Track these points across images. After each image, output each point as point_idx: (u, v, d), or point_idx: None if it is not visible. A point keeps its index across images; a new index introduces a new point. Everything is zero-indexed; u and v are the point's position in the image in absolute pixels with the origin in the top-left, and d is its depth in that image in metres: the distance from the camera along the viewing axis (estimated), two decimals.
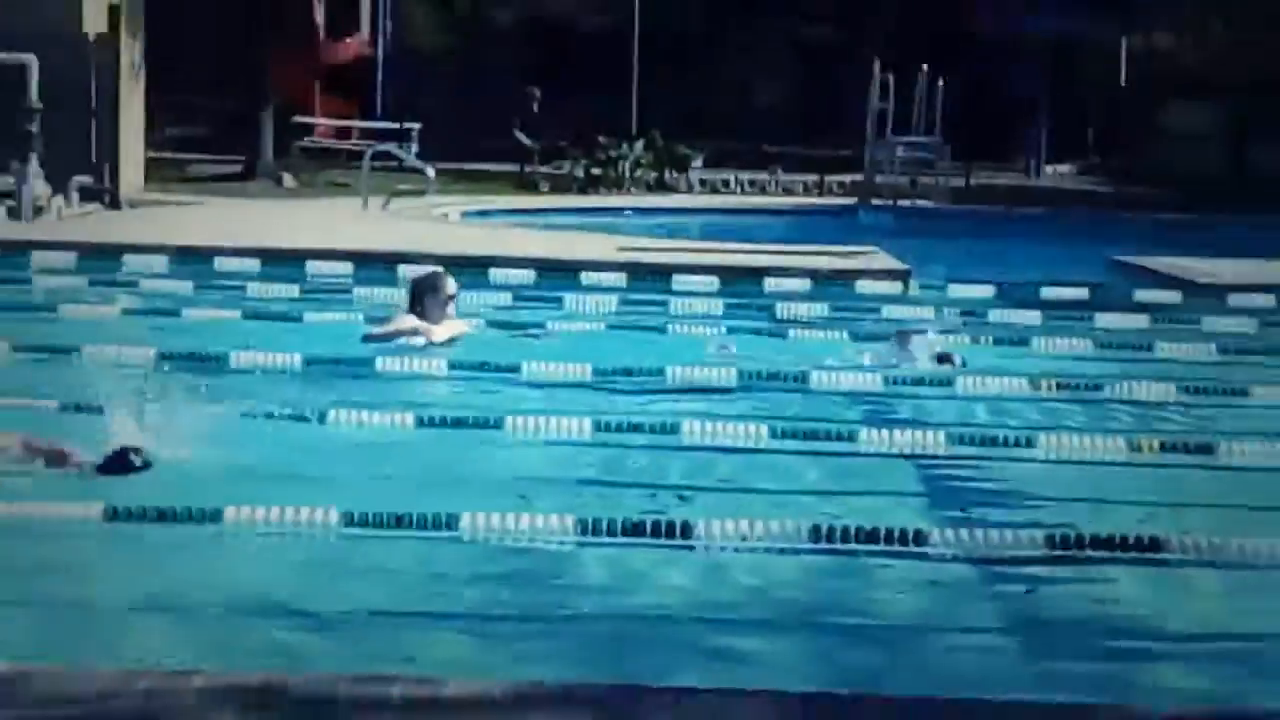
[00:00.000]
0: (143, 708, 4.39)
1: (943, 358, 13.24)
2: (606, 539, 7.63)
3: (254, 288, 15.84)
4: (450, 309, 13.18)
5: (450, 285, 13.46)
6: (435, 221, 22.53)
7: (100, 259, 17.10)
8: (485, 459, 9.35)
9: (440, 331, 12.74)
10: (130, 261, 16.98)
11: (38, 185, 20.17)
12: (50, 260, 17.00)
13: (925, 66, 30.94)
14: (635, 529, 7.71)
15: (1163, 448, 9.66)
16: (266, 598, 6.91)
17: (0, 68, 21.20)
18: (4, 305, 14.65)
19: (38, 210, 20.02)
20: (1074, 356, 13.20)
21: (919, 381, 12.17)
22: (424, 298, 12.96)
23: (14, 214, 19.63)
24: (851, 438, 9.95)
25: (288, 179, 30.16)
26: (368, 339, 12.86)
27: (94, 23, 23.68)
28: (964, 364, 13.12)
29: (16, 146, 20.34)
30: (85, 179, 22.04)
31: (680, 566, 7.64)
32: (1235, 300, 17.03)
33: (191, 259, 16.96)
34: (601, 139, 31.89)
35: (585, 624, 7.06)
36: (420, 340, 12.69)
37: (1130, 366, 13.48)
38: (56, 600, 7.12)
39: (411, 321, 12.71)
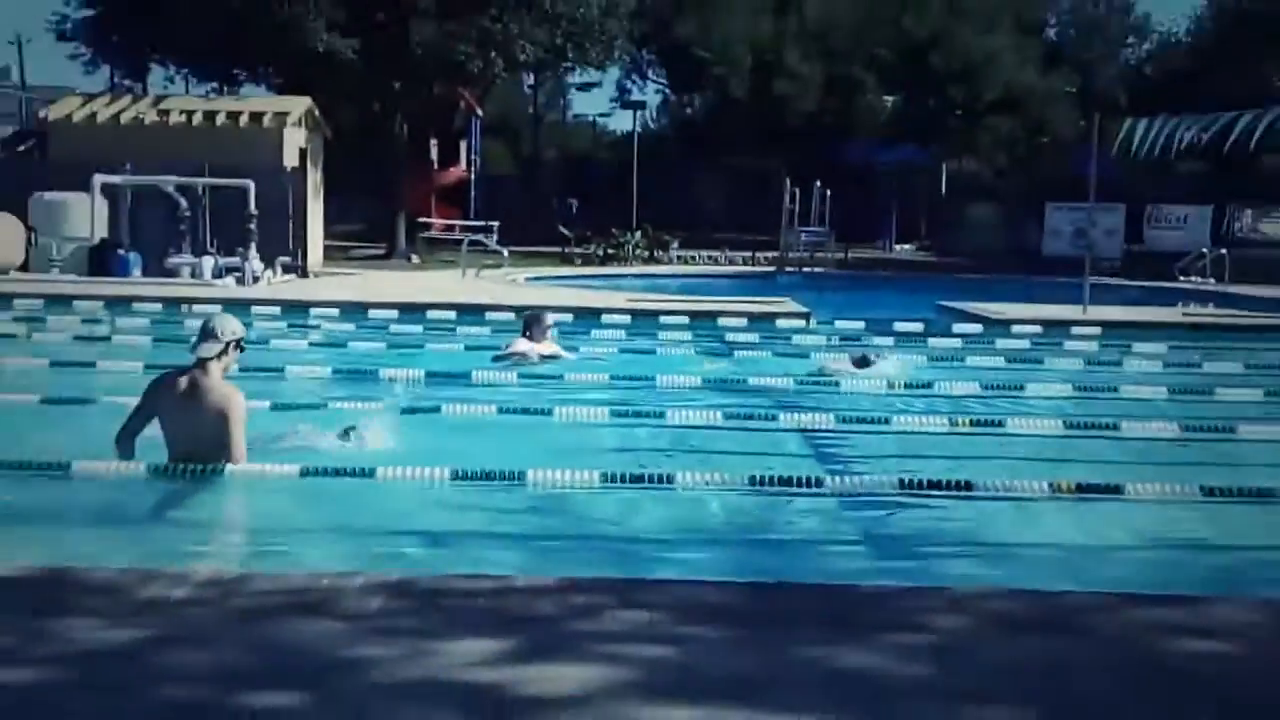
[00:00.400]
0: (310, 601, 4.37)
1: (862, 361, 12.52)
2: (619, 485, 7.47)
3: (393, 327, 16.08)
4: (550, 335, 12.84)
5: (549, 318, 13.18)
6: (508, 284, 23.12)
7: (295, 311, 17.55)
8: (541, 434, 9.12)
9: (543, 349, 12.52)
10: (314, 312, 17.25)
11: (255, 263, 20.58)
12: (264, 310, 17.23)
13: (818, 183, 32.13)
14: (637, 479, 7.63)
15: (972, 424, 9.66)
16: (409, 523, 7.00)
17: (230, 189, 21.21)
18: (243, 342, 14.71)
19: (255, 279, 20.25)
20: (915, 367, 13.15)
21: (818, 381, 11.84)
22: (532, 327, 12.74)
23: (240, 281, 20.06)
24: (773, 418, 9.81)
25: (414, 258, 30.96)
26: (497, 358, 12.47)
27: (290, 159, 24.57)
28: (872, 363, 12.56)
29: (241, 239, 20.59)
30: (285, 258, 22.53)
31: (666, 502, 7.44)
32: (1015, 329, 17.24)
33: (353, 310, 17.49)
34: (613, 230, 32.23)
35: (606, 538, 7.07)
36: (533, 356, 12.39)
37: (949, 371, 13.48)
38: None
39: (524, 344, 12.46)
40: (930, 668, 3.98)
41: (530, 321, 12.87)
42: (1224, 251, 29.88)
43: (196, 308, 17.23)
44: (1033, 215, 33.72)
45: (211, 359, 7.13)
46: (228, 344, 7.20)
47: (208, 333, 7.19)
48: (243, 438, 7.17)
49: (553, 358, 12.60)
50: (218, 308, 17.10)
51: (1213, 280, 28.18)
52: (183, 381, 7.17)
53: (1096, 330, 17.03)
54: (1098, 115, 23.01)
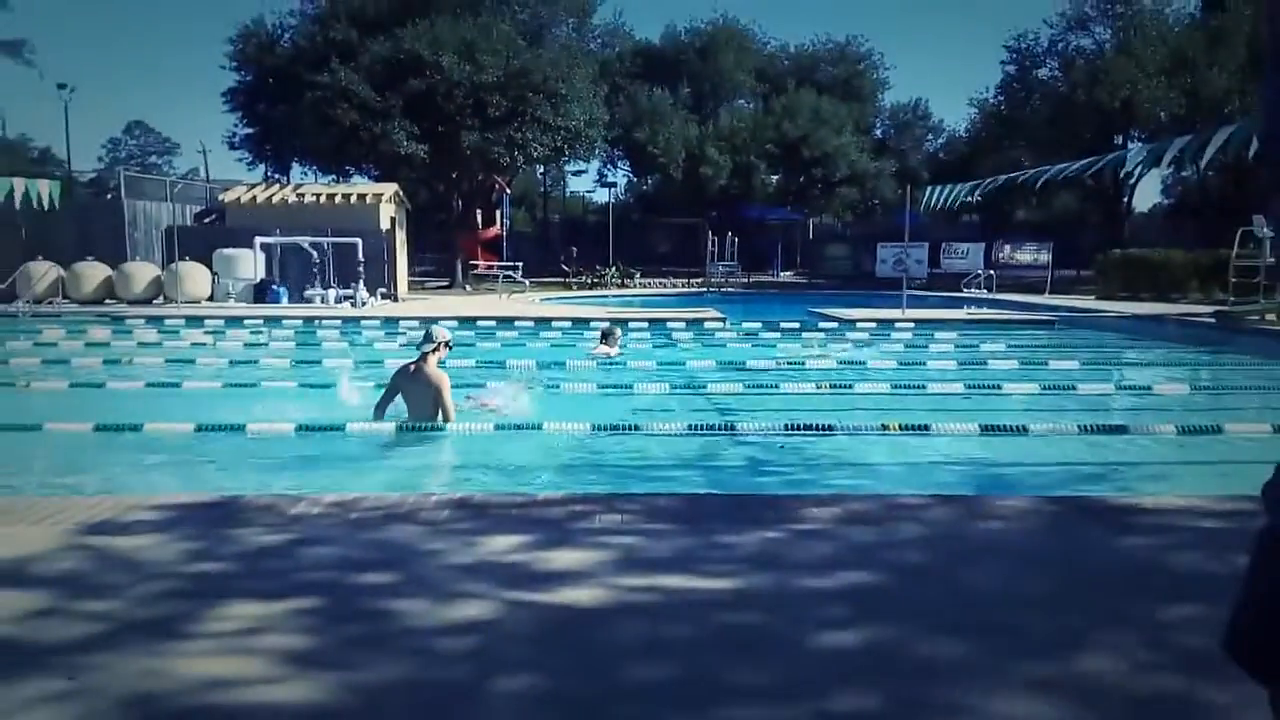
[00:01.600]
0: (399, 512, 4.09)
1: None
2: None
3: (455, 334, 15.87)
4: (619, 342, 12.30)
5: (618, 331, 12.62)
6: (529, 304, 22.81)
7: (390, 324, 17.06)
8: (628, 402, 8.98)
9: (614, 352, 12.02)
10: (403, 324, 16.78)
11: (362, 293, 20.33)
12: (369, 324, 17.04)
13: (729, 233, 31.84)
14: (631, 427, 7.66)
15: (830, 386, 9.72)
16: (563, 456, 7.07)
17: (345, 245, 21.04)
18: (353, 342, 14.73)
19: (363, 303, 20.14)
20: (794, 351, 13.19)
21: (738, 364, 11.64)
22: (607, 336, 12.19)
23: (354, 305, 19.91)
24: (705, 388, 9.69)
25: (468, 288, 30.46)
26: (591, 355, 11.95)
27: (384, 224, 24.24)
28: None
29: (353, 277, 20.38)
30: (382, 289, 22.15)
31: (630, 444, 7.43)
32: (859, 325, 17.04)
33: (428, 322, 17.03)
34: (597, 266, 32.12)
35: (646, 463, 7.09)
36: (610, 354, 11.89)
37: (814, 352, 13.42)
38: None
39: (603, 348, 11.99)
40: (810, 547, 4.00)
41: (606, 333, 12.39)
42: (992, 272, 30.14)
43: (326, 322, 17.27)
44: (869, 251, 33.86)
45: (429, 353, 7.36)
46: (439, 344, 7.43)
47: (428, 336, 7.48)
48: (452, 405, 7.34)
49: (616, 357, 12.13)
50: (339, 322, 17.23)
51: (985, 291, 28.40)
52: (411, 368, 7.40)
53: (911, 325, 17.10)
54: (909, 185, 23.15)
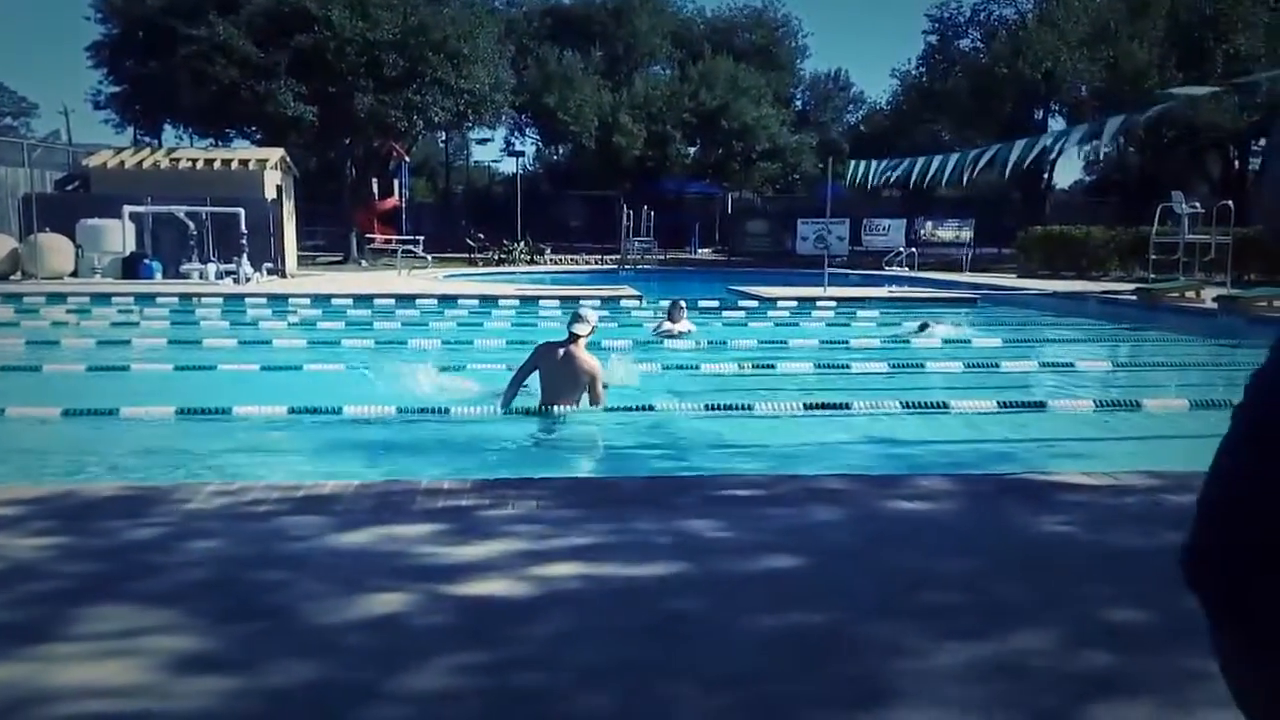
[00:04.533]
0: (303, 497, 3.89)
1: (923, 326, 12.67)
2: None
3: (350, 312, 15.58)
4: (684, 316, 12.26)
5: (682, 304, 12.52)
6: (432, 280, 22.51)
7: (277, 301, 16.70)
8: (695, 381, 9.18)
9: (680, 327, 12.01)
10: (292, 301, 16.44)
11: (246, 268, 19.78)
12: (254, 302, 16.55)
13: (645, 207, 31.86)
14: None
15: (754, 366, 9.84)
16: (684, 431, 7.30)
17: (226, 215, 20.49)
18: (235, 321, 14.17)
19: (247, 279, 19.54)
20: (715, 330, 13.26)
21: (649, 341, 11.80)
22: (672, 312, 12.20)
23: (236, 281, 19.36)
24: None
25: (364, 263, 29.81)
26: (655, 332, 12.13)
27: (269, 193, 23.39)
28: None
29: (235, 250, 19.77)
30: (269, 264, 21.67)
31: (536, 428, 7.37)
32: (780, 303, 17.29)
33: (321, 300, 16.82)
34: (504, 241, 31.64)
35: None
36: (675, 331, 11.97)
37: (735, 331, 13.55)
38: None
39: (669, 324, 12.02)
40: (733, 530, 4.03)
41: (672, 308, 12.32)
42: (914, 250, 30.89)
43: (206, 300, 16.73)
44: (789, 227, 34.31)
45: (583, 335, 7.24)
46: (593, 327, 7.36)
47: (580, 318, 7.34)
48: (604, 393, 7.31)
49: (685, 332, 12.18)
50: (219, 300, 16.73)
51: (907, 269, 29.10)
52: (560, 350, 7.27)
53: (833, 304, 17.33)
54: (830, 159, 23.50)
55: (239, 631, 3.00)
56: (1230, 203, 20.25)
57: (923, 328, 12.63)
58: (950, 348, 11.79)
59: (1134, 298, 17.63)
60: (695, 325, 12.63)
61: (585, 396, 7.33)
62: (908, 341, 12.25)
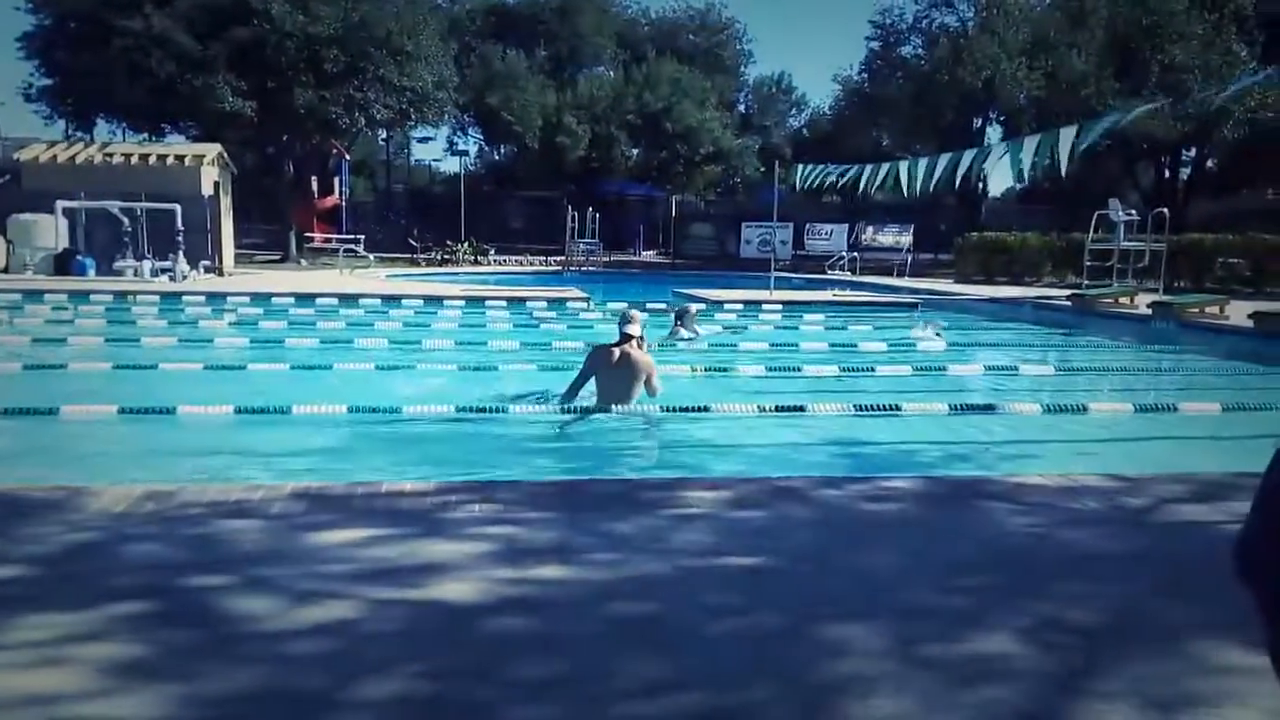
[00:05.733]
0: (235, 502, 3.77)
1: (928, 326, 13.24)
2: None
3: (292, 312, 15.22)
4: (695, 320, 12.00)
5: (694, 308, 12.34)
6: (374, 279, 22.19)
7: (216, 299, 16.28)
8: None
9: (688, 332, 11.70)
10: (230, 300, 16.08)
11: (183, 265, 19.29)
12: (191, 300, 16.16)
13: (590, 208, 31.50)
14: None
15: (705, 370, 9.76)
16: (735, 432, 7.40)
17: (162, 211, 19.97)
18: (173, 320, 13.75)
19: (183, 277, 19.10)
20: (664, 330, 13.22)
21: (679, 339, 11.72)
22: (682, 317, 11.82)
23: (172, 278, 18.79)
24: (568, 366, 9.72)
25: (303, 262, 29.33)
26: (670, 335, 11.67)
27: (207, 189, 22.77)
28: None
29: (171, 247, 19.28)
30: (206, 262, 21.17)
31: (496, 429, 7.32)
32: (726, 306, 16.92)
33: (260, 298, 16.51)
34: (448, 241, 31.31)
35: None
36: (686, 335, 11.65)
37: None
38: None
39: (681, 329, 11.66)
40: (692, 531, 4.02)
41: (681, 313, 12.01)
42: (855, 254, 31.29)
43: (141, 298, 16.31)
44: (734, 231, 34.55)
45: (636, 336, 7.36)
46: (644, 327, 7.49)
47: (630, 319, 7.44)
48: (659, 383, 7.44)
49: (694, 336, 11.90)
50: (156, 298, 16.32)
51: (849, 273, 29.47)
52: (616, 352, 7.36)
53: (779, 307, 17.43)
54: (775, 162, 23.68)
55: (178, 638, 2.91)
56: (1165, 210, 20.82)
57: (927, 328, 13.27)
58: (896, 351, 11.95)
59: (1068, 303, 18.03)
60: (702, 329, 12.48)
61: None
62: (915, 343, 12.66)
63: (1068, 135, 7.73)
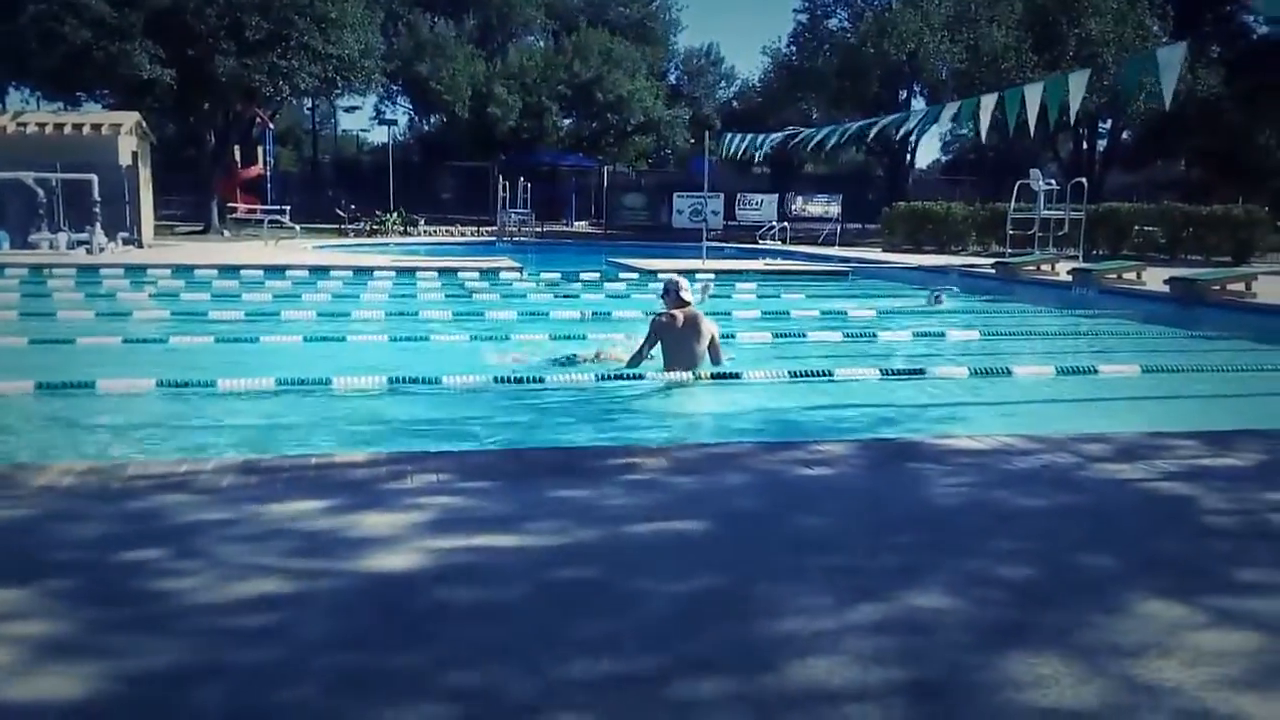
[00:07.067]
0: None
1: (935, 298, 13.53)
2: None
3: (215, 284, 14.76)
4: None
5: (684, 282, 11.69)
6: (301, 250, 21.68)
7: (135, 271, 15.74)
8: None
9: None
10: (151, 272, 15.60)
11: (100, 237, 18.62)
12: (110, 273, 15.65)
13: (522, 179, 31.07)
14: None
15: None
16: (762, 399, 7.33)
17: (78, 182, 19.11)
18: (90, 294, 13.36)
19: (101, 249, 18.44)
20: (598, 301, 13.16)
21: (534, 313, 11.77)
22: (674, 291, 11.33)
23: (89, 251, 18.15)
24: (509, 337, 9.52)
25: (226, 233, 28.39)
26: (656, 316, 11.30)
27: (124, 159, 21.96)
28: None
29: (88, 219, 18.54)
30: (124, 234, 20.41)
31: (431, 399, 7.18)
32: (661, 276, 16.83)
33: (182, 270, 16.05)
34: (377, 212, 30.77)
35: None
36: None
37: (620, 303, 13.38)
38: None
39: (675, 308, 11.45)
40: (637, 497, 4.01)
41: (669, 287, 11.62)
42: (785, 224, 31.53)
43: (58, 271, 15.76)
44: (665, 201, 34.54)
45: (693, 300, 7.73)
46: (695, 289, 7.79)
47: (679, 285, 7.82)
48: (722, 350, 7.77)
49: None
50: (73, 270, 15.78)
51: (780, 242, 29.68)
52: (680, 315, 7.65)
53: (713, 276, 17.33)
54: (705, 133, 23.68)
55: (109, 616, 2.81)
56: (1084, 180, 21.33)
57: (935, 299, 13.53)
58: (829, 318, 12.07)
59: (993, 271, 18.40)
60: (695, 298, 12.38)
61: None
62: (924, 312, 12.99)
63: (988, 103, 7.86)
